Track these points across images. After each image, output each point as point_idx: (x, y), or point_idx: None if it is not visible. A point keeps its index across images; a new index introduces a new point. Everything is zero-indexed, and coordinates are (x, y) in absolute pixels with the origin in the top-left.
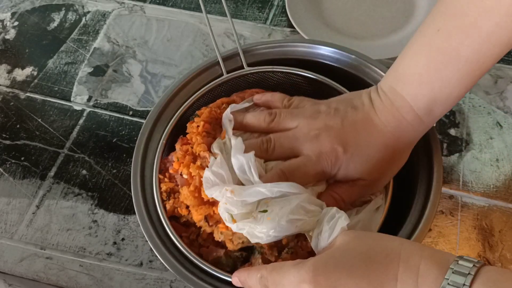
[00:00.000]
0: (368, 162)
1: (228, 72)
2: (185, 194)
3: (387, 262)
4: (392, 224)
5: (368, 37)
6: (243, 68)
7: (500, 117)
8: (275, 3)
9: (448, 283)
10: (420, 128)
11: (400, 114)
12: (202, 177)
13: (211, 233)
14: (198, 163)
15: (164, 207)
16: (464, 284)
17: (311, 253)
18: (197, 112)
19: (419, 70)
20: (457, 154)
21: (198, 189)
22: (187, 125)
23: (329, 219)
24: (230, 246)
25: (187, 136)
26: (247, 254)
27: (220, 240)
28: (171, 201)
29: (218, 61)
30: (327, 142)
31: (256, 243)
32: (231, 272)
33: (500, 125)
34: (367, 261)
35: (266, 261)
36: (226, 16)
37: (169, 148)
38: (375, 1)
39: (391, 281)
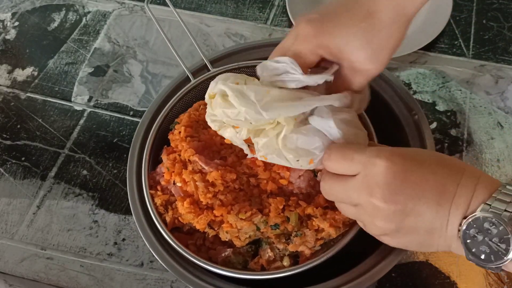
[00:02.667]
0: (353, 41)
1: (195, 77)
2: (182, 209)
3: (454, 169)
4: None
5: None
6: (209, 70)
7: (501, 117)
8: (276, 3)
9: (501, 192)
10: None
11: None
12: (196, 182)
13: (217, 235)
14: (190, 168)
15: (164, 221)
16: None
17: (318, 231)
18: (176, 120)
19: None
20: (457, 155)
21: (194, 199)
22: (169, 137)
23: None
24: (237, 243)
25: (172, 144)
26: (256, 247)
27: (227, 240)
28: (170, 213)
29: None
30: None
31: (262, 234)
32: (243, 269)
33: (501, 125)
34: (438, 163)
35: (274, 251)
36: (226, 16)
37: (153, 162)
38: None
39: (453, 183)
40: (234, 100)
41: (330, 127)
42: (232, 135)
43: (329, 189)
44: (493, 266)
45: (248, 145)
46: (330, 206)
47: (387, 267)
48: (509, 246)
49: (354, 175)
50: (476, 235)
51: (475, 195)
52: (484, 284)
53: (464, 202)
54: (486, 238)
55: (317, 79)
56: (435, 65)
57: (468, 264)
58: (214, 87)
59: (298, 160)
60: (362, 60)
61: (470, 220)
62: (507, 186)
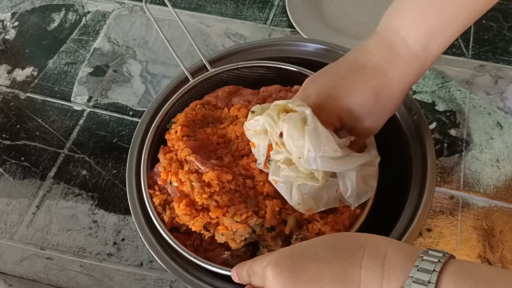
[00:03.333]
0: (360, 109)
1: (194, 77)
2: (179, 210)
3: (352, 250)
4: (384, 223)
5: (368, 37)
6: (208, 70)
7: (500, 118)
8: (276, 3)
9: (417, 270)
10: (415, 65)
11: (393, 51)
12: (192, 182)
13: (213, 236)
14: (186, 168)
15: (162, 221)
16: (433, 270)
17: (319, 234)
18: (173, 120)
19: (414, 0)
20: (457, 155)
21: (191, 200)
22: (165, 137)
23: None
24: (233, 245)
25: (168, 144)
26: (253, 249)
27: (222, 242)
28: (167, 213)
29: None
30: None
31: (258, 237)
32: None
33: (501, 126)
34: (332, 249)
35: None
36: (226, 16)
37: (152, 161)
38: (375, 1)
39: (355, 267)
40: (309, 133)
41: (349, 178)
42: (262, 145)
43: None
44: None
45: (267, 159)
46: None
47: None
48: None
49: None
50: None
51: (386, 279)
52: None
53: (376, 286)
54: None
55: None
56: (434, 65)
57: None
58: (303, 108)
59: (299, 204)
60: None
61: None
62: (419, 265)
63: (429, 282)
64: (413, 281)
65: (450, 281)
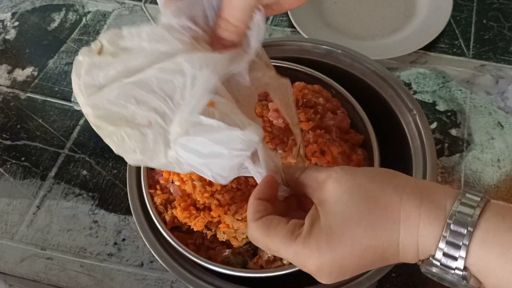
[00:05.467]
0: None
1: None
2: (178, 213)
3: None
4: None
5: (368, 37)
6: None
7: (501, 117)
8: None
9: (461, 203)
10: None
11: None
12: (193, 181)
13: (215, 234)
14: None
15: (164, 220)
16: (472, 215)
17: None
18: None
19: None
20: (458, 155)
21: (192, 200)
22: None
23: None
24: (235, 243)
25: None
26: (255, 247)
27: (224, 240)
28: (169, 212)
29: None
30: None
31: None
32: (243, 268)
33: (501, 125)
34: (367, 226)
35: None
36: None
37: None
38: (376, 1)
39: (394, 224)
40: None
41: None
42: None
43: (258, 244)
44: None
45: None
46: None
47: (387, 267)
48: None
49: None
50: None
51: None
52: None
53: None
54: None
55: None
56: (435, 65)
57: None
58: None
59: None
60: None
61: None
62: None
63: (471, 216)
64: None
65: (491, 218)
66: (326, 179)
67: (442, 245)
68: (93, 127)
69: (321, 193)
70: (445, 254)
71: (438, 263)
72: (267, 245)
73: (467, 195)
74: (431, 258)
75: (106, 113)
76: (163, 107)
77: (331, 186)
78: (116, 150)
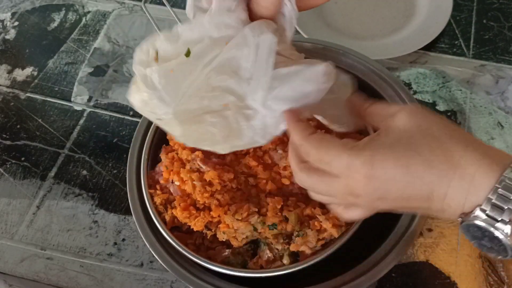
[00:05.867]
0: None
1: None
2: (178, 214)
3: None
4: (385, 223)
5: (368, 37)
6: None
7: (501, 117)
8: None
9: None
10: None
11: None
12: (193, 181)
13: (215, 234)
14: (188, 167)
15: (163, 220)
16: None
17: (320, 231)
18: None
19: None
20: None
21: (192, 200)
22: (167, 137)
23: None
24: (235, 243)
25: (170, 143)
26: (255, 247)
27: (224, 240)
28: (169, 212)
29: None
30: None
31: (259, 235)
32: (243, 268)
33: (501, 125)
34: (425, 162)
35: (273, 251)
36: None
37: (152, 161)
38: (376, 1)
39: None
40: None
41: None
42: None
43: (307, 183)
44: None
45: None
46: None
47: (387, 267)
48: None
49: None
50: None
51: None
52: (484, 284)
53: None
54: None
55: None
56: (435, 65)
57: (468, 264)
58: None
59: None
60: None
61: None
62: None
63: None
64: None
65: None
66: (399, 110)
67: (492, 196)
68: (182, 140)
69: (391, 121)
70: (494, 205)
71: (484, 215)
72: (320, 158)
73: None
74: (478, 210)
75: (187, 114)
76: (234, 85)
77: (404, 116)
78: (211, 147)
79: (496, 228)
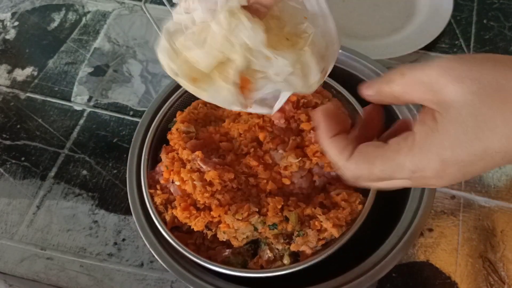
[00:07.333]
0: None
1: None
2: (179, 214)
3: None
4: (385, 223)
5: (368, 37)
6: None
7: None
8: None
9: None
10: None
11: None
12: (194, 181)
13: (216, 234)
14: (188, 167)
15: (164, 220)
16: None
17: (320, 231)
18: (174, 119)
19: None
20: None
21: (192, 200)
22: (167, 137)
23: None
24: (235, 243)
25: (170, 143)
26: (255, 247)
27: (224, 240)
28: (169, 212)
29: None
30: None
31: (260, 235)
32: (243, 268)
33: None
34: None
35: (273, 251)
36: None
37: (152, 161)
38: (376, 1)
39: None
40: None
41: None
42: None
43: (363, 174)
44: None
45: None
46: (327, 206)
47: (387, 267)
48: None
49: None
50: None
51: None
52: (484, 284)
53: None
54: None
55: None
56: None
57: (469, 264)
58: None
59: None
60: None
61: None
62: None
63: None
64: None
65: None
66: (446, 83)
67: None
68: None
69: (439, 96)
70: None
71: None
72: (378, 176)
73: None
74: None
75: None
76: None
77: (453, 88)
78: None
79: None
